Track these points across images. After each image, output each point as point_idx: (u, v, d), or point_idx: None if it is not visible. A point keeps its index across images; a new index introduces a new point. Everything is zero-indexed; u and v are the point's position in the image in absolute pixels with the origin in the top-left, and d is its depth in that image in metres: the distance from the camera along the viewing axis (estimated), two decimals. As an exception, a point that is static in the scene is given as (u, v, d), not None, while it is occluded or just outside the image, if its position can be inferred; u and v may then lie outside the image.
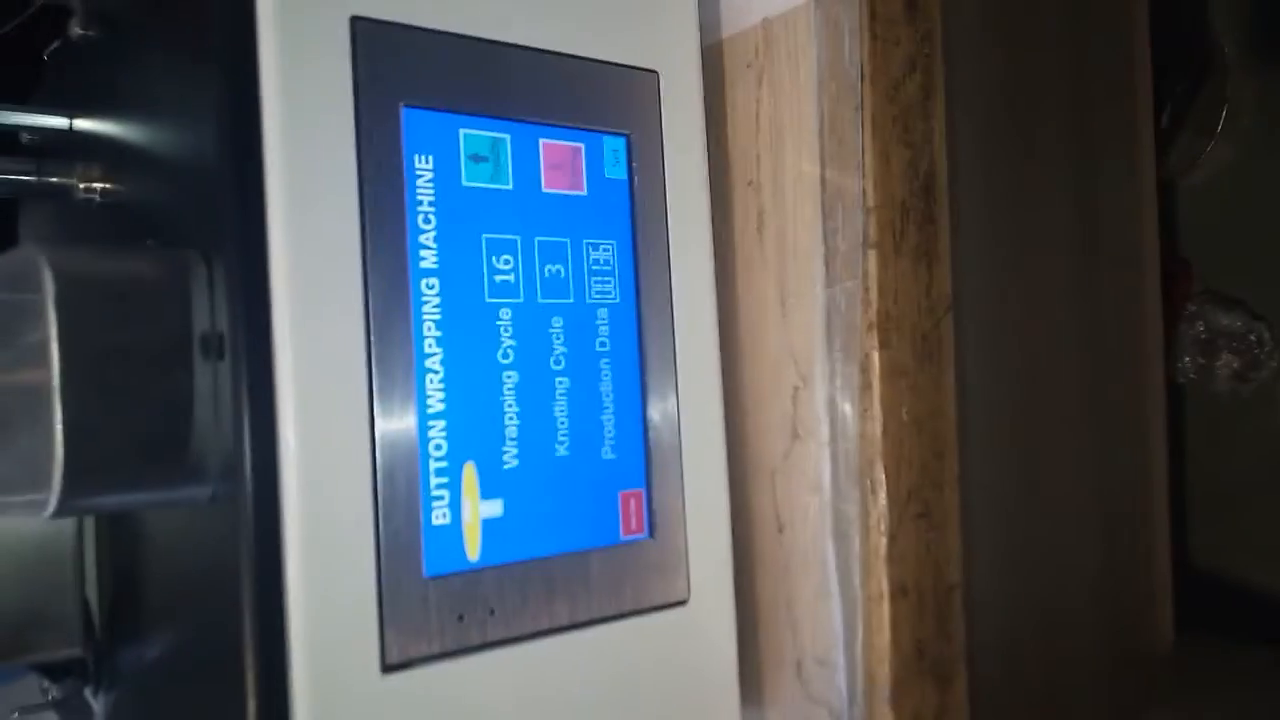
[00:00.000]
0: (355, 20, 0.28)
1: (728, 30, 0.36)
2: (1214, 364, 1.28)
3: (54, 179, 0.46)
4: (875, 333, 0.32)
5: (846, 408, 0.33)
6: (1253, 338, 1.27)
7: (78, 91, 0.42)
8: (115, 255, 0.26)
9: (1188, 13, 1.27)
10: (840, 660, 0.33)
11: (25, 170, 0.48)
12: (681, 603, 0.33)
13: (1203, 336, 1.30)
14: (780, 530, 0.35)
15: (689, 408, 0.34)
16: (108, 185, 0.37)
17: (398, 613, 0.27)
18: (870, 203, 0.32)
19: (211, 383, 0.27)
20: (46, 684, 0.48)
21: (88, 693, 0.41)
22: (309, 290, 0.26)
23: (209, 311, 0.27)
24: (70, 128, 0.43)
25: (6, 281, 0.25)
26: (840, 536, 0.33)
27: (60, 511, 0.24)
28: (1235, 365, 1.28)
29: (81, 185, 0.37)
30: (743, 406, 0.36)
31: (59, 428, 0.24)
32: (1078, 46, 0.52)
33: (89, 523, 0.38)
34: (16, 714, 0.52)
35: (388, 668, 0.27)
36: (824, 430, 0.33)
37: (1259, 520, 1.27)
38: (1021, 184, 0.44)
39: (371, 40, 0.28)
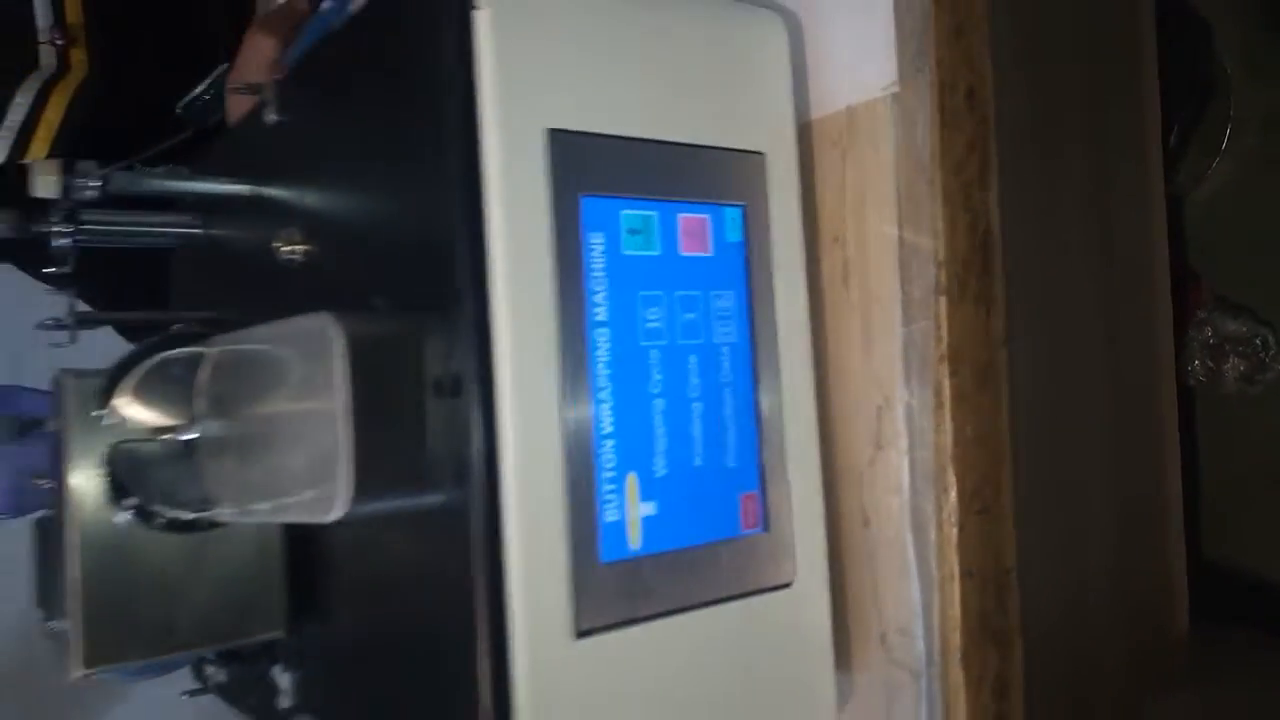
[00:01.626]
0: (550, 131, 0.35)
1: (816, 113, 0.44)
2: (1222, 367, 1.36)
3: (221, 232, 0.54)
4: (946, 364, 0.40)
5: (923, 424, 0.40)
6: (1258, 342, 1.35)
7: (259, 160, 0.49)
8: (374, 318, 0.34)
9: (1193, 37, 1.35)
10: (919, 630, 0.41)
11: (194, 225, 0.57)
12: (788, 585, 0.41)
13: (1211, 341, 1.38)
14: (866, 524, 0.43)
15: (791, 425, 0.42)
16: (308, 247, 0.45)
17: (583, 591, 0.35)
18: (940, 258, 0.40)
19: (443, 415, 0.34)
20: (212, 669, 0.57)
21: (275, 671, 0.49)
22: (522, 342, 0.34)
23: (443, 359, 0.34)
24: (256, 195, 0.50)
25: (301, 338, 0.33)
26: (918, 529, 0.41)
27: (342, 514, 0.32)
28: (1242, 368, 1.36)
29: (284, 248, 0.45)
30: (833, 424, 0.44)
31: (346, 449, 0.32)
32: (1093, 76, 0.60)
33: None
34: (184, 695, 0.60)
35: (579, 634, 0.35)
36: (903, 442, 0.41)
37: (1267, 515, 1.35)
38: (1050, 208, 0.52)
39: (560, 146, 0.36)
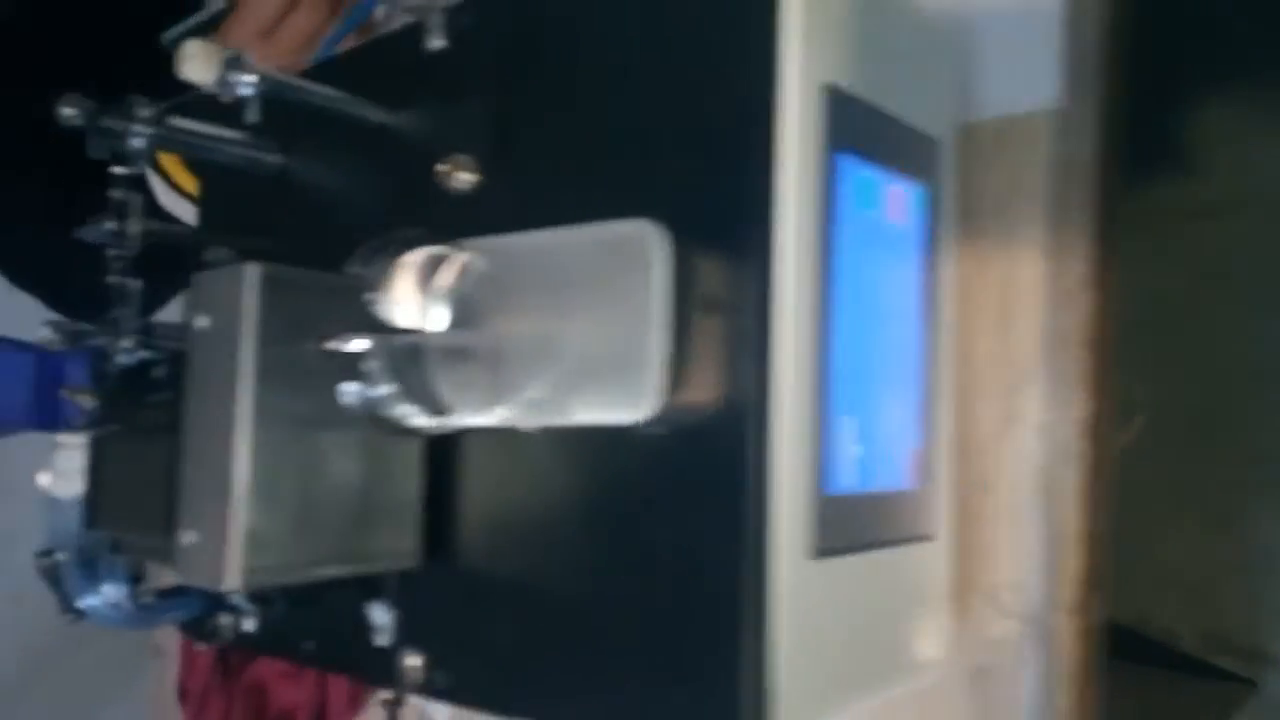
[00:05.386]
0: (824, 85, 0.38)
1: (973, 116, 0.49)
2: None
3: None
4: (1085, 349, 0.45)
5: (1063, 401, 0.45)
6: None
7: (408, 85, 0.48)
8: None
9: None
10: (1035, 583, 0.46)
11: (271, 150, 0.54)
12: (932, 538, 0.45)
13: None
14: (986, 490, 0.47)
15: (941, 393, 0.46)
16: (478, 176, 0.44)
17: (816, 516, 0.38)
18: (1090, 255, 0.45)
19: (715, 332, 0.36)
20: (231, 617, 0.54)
21: (374, 607, 0.47)
22: (793, 276, 0.36)
23: (718, 280, 0.36)
24: (398, 122, 0.49)
25: (611, 243, 0.33)
26: (1049, 493, 0.46)
27: (647, 423, 0.33)
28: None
29: (456, 176, 0.44)
30: (958, 397, 0.48)
31: (661, 354, 0.33)
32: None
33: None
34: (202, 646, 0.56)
35: (815, 554, 0.37)
36: (1039, 417, 0.46)
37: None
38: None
39: (831, 102, 0.38)
